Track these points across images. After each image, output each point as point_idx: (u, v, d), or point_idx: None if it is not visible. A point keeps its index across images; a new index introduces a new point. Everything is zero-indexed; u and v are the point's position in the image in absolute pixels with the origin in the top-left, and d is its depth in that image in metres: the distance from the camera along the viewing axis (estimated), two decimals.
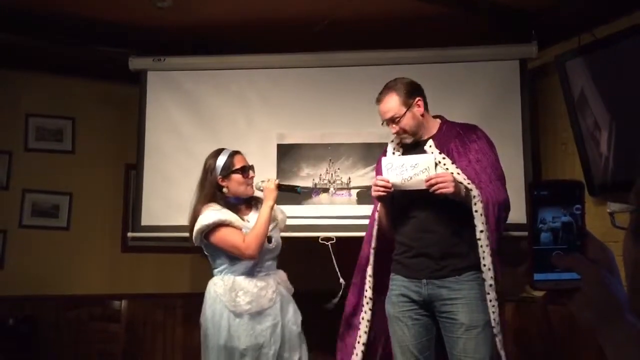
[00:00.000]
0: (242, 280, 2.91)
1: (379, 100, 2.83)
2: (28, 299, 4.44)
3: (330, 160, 4.10)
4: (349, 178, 4.07)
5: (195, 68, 4.29)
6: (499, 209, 2.66)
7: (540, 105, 4.17)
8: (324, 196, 4.07)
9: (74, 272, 4.66)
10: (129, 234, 4.34)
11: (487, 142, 2.81)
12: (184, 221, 4.12)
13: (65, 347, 4.48)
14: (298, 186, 3.20)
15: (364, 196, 4.03)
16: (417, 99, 2.80)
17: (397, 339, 2.75)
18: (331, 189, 4.07)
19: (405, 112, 2.76)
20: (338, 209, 4.02)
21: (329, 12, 3.85)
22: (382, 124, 2.86)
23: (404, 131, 2.79)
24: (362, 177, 4.06)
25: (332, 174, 4.09)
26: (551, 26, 3.91)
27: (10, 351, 4.10)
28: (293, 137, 4.15)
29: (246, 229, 2.92)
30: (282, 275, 3.06)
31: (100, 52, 4.31)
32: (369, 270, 2.87)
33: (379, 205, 2.87)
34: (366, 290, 2.88)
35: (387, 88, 2.83)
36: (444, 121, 2.89)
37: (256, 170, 3.08)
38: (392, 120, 2.78)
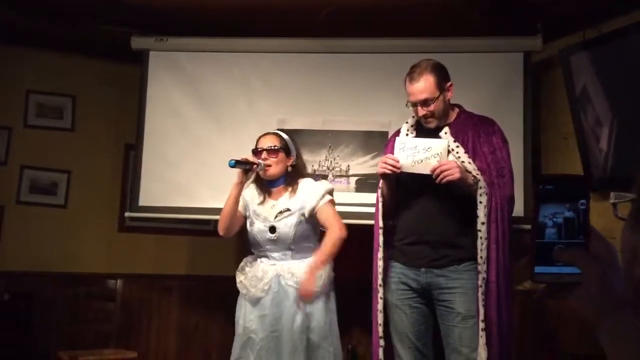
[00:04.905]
0: (247, 264, 3.04)
1: (413, 79, 2.70)
2: (24, 275, 4.45)
3: (329, 147, 4.09)
4: (348, 165, 4.07)
5: (197, 49, 4.26)
6: (503, 202, 2.66)
7: (542, 99, 4.16)
8: None
9: (70, 250, 4.66)
10: (127, 214, 4.34)
11: (502, 138, 2.80)
12: (182, 202, 4.16)
13: (60, 324, 4.49)
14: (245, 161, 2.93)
15: (362, 184, 4.03)
16: (450, 83, 2.76)
17: (396, 326, 2.76)
18: (330, 175, 4.06)
19: (439, 96, 2.70)
20: (336, 196, 4.00)
21: None
22: (407, 105, 2.76)
23: (432, 115, 2.73)
24: (361, 165, 4.05)
25: (331, 161, 4.08)
26: (556, 19, 3.88)
27: (5, 326, 4.11)
28: (293, 123, 4.13)
29: (258, 213, 2.99)
30: (294, 267, 2.93)
31: (102, 31, 4.28)
32: (379, 254, 2.79)
33: (380, 182, 2.83)
34: (378, 278, 2.78)
35: (423, 68, 2.71)
36: (462, 110, 2.87)
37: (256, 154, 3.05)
38: (424, 103, 2.70)
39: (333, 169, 4.07)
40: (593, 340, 0.83)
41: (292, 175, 3.02)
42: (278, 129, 3.26)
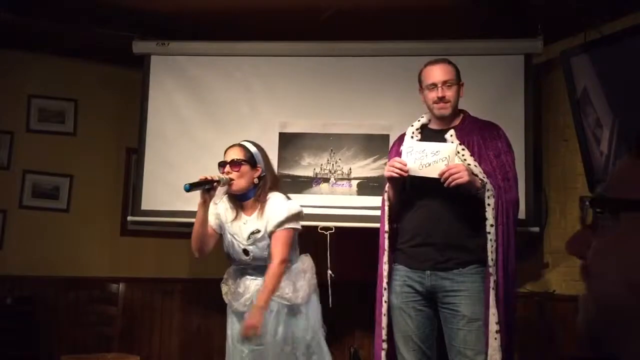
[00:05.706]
0: (230, 276, 3.04)
1: (436, 63, 2.83)
2: (26, 279, 4.45)
3: (331, 150, 4.10)
4: (350, 169, 4.07)
5: (199, 53, 4.27)
6: (508, 205, 2.67)
7: (543, 101, 4.16)
8: (324, 186, 4.07)
9: (73, 253, 4.67)
10: (129, 218, 4.34)
11: (506, 143, 2.82)
12: (184, 206, 4.15)
13: (62, 328, 4.50)
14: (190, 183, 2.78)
15: (364, 187, 4.03)
16: (463, 83, 2.86)
17: (400, 329, 2.76)
18: (332, 179, 4.07)
19: (458, 84, 2.81)
20: (338, 199, 4.02)
21: (335, 2, 3.84)
22: (421, 88, 2.83)
23: (449, 100, 2.78)
24: (363, 168, 4.06)
25: (333, 164, 4.09)
26: (557, 21, 3.89)
27: (7, 330, 4.12)
28: (295, 126, 4.14)
29: (225, 230, 2.96)
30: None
31: (104, 35, 4.29)
32: (384, 258, 2.79)
33: (387, 185, 2.84)
34: (382, 281, 2.79)
35: (444, 59, 2.86)
36: (467, 115, 2.90)
37: None
38: (445, 83, 2.77)
39: (335, 172, 4.07)
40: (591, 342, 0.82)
41: (262, 188, 2.93)
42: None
